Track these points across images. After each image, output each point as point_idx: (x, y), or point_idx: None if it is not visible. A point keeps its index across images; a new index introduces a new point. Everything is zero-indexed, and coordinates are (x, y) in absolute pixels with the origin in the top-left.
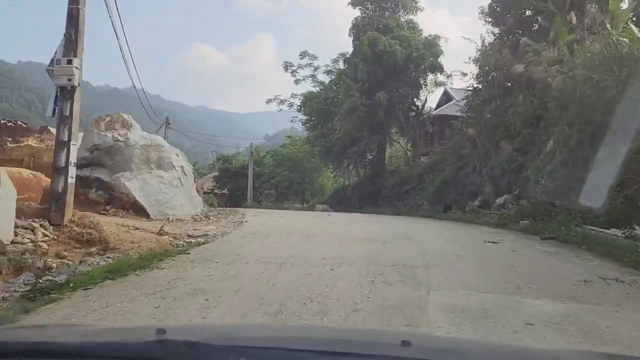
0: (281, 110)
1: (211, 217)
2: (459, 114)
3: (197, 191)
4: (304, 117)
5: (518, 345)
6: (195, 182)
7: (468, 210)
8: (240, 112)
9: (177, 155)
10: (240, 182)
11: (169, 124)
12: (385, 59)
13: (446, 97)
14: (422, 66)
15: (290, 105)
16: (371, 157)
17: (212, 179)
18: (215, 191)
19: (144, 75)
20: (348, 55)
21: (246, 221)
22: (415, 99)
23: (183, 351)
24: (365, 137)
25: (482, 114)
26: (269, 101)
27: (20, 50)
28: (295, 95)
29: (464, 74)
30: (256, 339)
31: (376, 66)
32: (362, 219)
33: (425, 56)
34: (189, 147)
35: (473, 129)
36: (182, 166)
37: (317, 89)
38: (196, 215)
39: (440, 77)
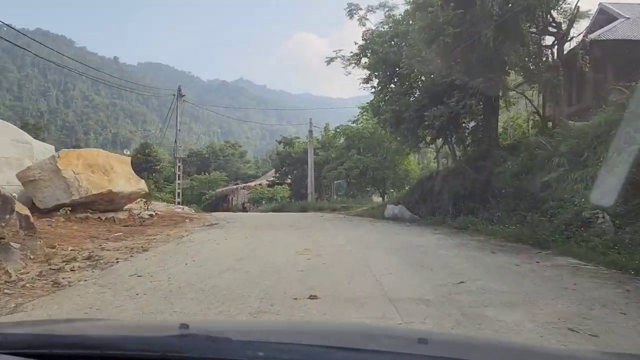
0: (349, 74)
1: None
2: None
3: None
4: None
5: (537, 345)
6: None
7: None
8: (344, 97)
9: None
10: (306, 170)
11: (182, 95)
12: None
13: (604, 17)
14: None
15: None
16: (473, 124)
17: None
18: (277, 182)
19: (249, 67)
20: None
21: None
22: (553, 12)
23: (205, 345)
24: (460, 87)
25: None
26: (329, 61)
27: (139, 52)
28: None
29: None
30: (274, 334)
31: None
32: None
33: None
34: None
35: None
36: None
37: (386, 26)
38: None
39: None
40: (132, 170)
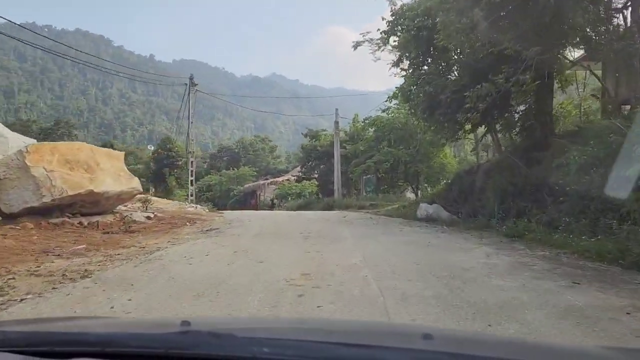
0: (378, 59)
1: None
2: None
3: None
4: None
5: (542, 341)
6: None
7: None
8: (378, 90)
9: None
10: (333, 164)
11: (194, 84)
12: None
13: None
14: None
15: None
16: (523, 108)
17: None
18: (304, 177)
19: (282, 62)
20: None
21: None
22: None
23: (207, 342)
24: (510, 60)
25: None
26: (356, 45)
27: (174, 49)
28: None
29: None
30: (278, 331)
31: None
32: None
33: None
34: (282, 131)
35: None
36: None
37: None
38: None
39: None
40: (125, 167)
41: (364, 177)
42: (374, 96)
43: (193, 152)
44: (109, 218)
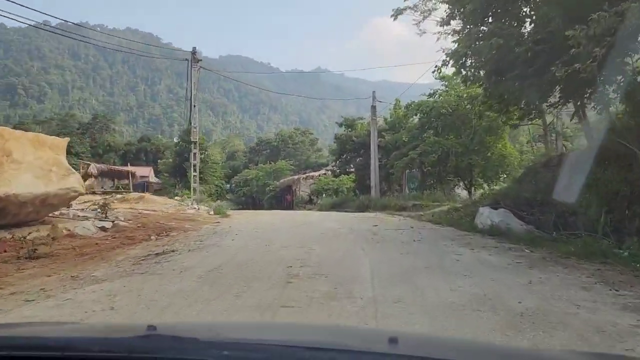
0: (423, 33)
1: None
2: None
3: None
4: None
5: (508, 346)
6: None
7: None
8: (424, 82)
9: None
10: (371, 157)
11: (197, 60)
12: None
13: None
14: None
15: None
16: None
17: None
18: (337, 172)
19: (326, 56)
20: None
21: None
22: None
23: (170, 346)
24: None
25: None
26: (397, 14)
27: (220, 45)
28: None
29: None
30: (242, 333)
31: None
32: None
33: None
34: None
35: None
36: None
37: None
38: None
39: None
40: (65, 160)
41: (407, 171)
42: (420, 88)
43: (197, 141)
44: (33, 231)
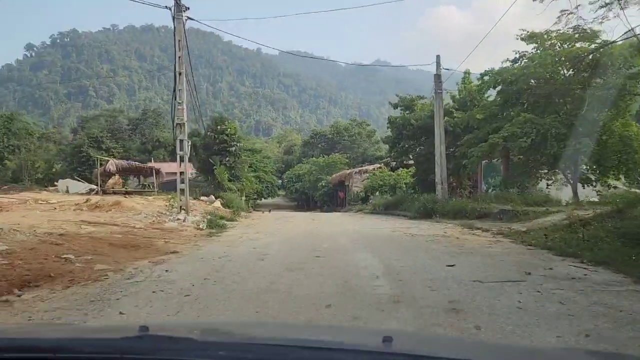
0: None
1: None
2: None
3: None
4: None
5: (503, 343)
6: None
7: None
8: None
9: None
10: (434, 145)
11: (183, 9)
12: None
13: None
14: None
15: None
16: None
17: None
18: (394, 164)
19: (386, 48)
20: None
21: None
22: None
23: (164, 346)
24: None
25: None
26: None
27: (280, 42)
28: None
29: None
30: (237, 334)
31: None
32: None
33: None
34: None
35: None
36: None
37: None
38: None
39: None
40: None
41: (484, 162)
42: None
43: (184, 123)
44: None
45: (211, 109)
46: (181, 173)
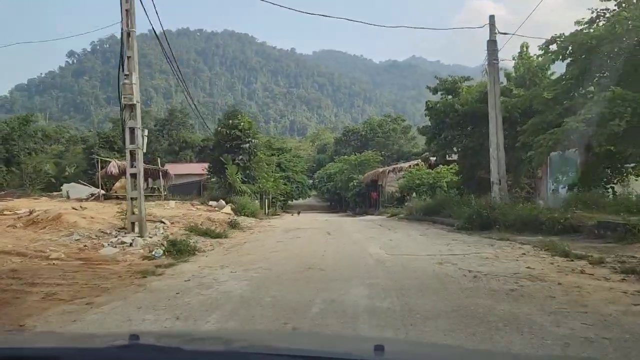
0: None
1: None
2: None
3: None
4: None
5: (495, 351)
6: None
7: None
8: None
9: None
10: (484, 134)
11: None
12: None
13: None
14: None
15: None
16: None
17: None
18: (433, 160)
19: (421, 44)
20: None
21: None
22: None
23: (152, 356)
24: None
25: None
26: None
27: (314, 41)
28: None
29: None
30: (225, 343)
31: None
32: None
33: None
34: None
35: None
36: None
37: None
38: None
39: None
40: None
41: (552, 153)
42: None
43: (134, 105)
44: None
45: (246, 110)
46: (133, 175)
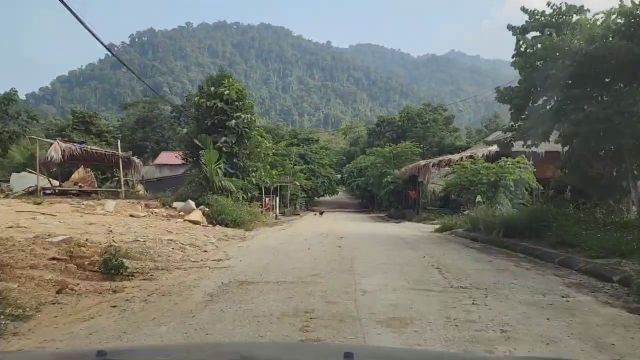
0: None
1: None
2: None
3: None
4: None
5: (461, 354)
6: None
7: None
8: None
9: None
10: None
11: None
12: None
13: None
14: None
15: None
16: None
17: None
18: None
19: (460, 38)
20: None
21: None
22: None
23: None
24: None
25: None
26: None
27: (351, 35)
28: None
29: None
30: (193, 357)
31: None
32: None
33: None
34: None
35: None
36: None
37: None
38: None
39: None
40: None
41: None
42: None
43: None
44: None
45: (280, 103)
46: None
